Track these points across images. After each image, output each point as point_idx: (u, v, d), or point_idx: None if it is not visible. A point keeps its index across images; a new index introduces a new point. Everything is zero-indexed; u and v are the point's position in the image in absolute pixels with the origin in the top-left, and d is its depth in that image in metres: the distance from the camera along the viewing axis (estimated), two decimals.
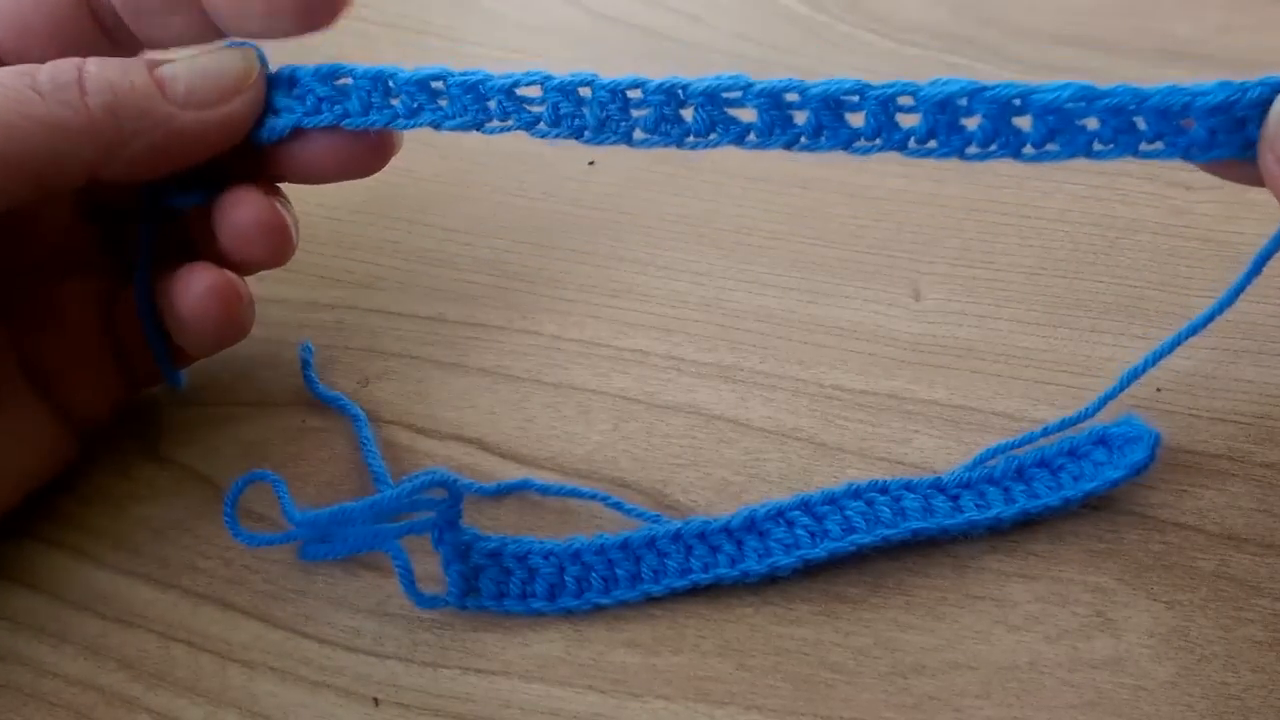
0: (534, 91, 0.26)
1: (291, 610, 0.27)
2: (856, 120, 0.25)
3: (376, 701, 0.25)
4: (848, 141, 0.25)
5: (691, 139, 0.26)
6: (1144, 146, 0.23)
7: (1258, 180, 0.24)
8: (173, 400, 0.32)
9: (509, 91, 0.26)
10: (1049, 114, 0.23)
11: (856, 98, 0.24)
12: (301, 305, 0.35)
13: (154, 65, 0.27)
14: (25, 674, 0.26)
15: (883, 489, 0.27)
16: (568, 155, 0.39)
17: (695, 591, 0.27)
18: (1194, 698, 0.24)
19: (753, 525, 0.27)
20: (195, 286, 0.29)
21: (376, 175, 0.30)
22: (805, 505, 0.27)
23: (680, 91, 0.25)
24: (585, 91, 0.26)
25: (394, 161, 0.30)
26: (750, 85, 0.25)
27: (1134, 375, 0.28)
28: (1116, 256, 0.34)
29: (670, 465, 0.30)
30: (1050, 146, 0.24)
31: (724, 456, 0.30)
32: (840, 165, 0.38)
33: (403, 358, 0.33)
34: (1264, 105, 0.23)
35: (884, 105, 0.24)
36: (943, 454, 0.29)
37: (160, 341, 0.30)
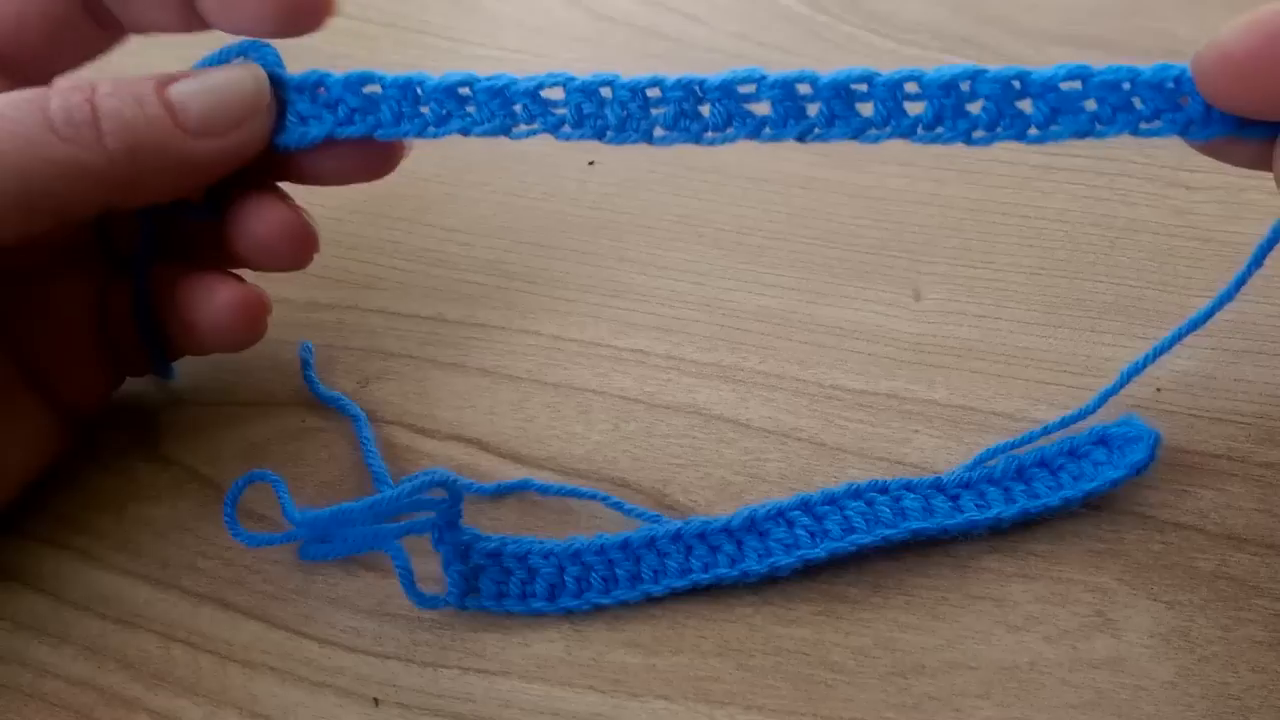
0: (557, 94, 0.27)
1: (291, 610, 0.27)
2: (866, 110, 0.25)
3: (376, 701, 0.25)
4: (859, 130, 0.26)
5: (710, 134, 0.26)
6: (1144, 125, 0.24)
7: (1256, 162, 0.24)
8: (173, 400, 0.32)
9: (534, 94, 0.27)
10: (1048, 92, 0.24)
11: (865, 86, 0.25)
12: (301, 305, 0.35)
13: (163, 85, 0.26)
14: (25, 674, 0.26)
15: (883, 489, 0.27)
16: (568, 155, 0.39)
17: (695, 591, 0.27)
18: (1194, 698, 0.24)
19: (753, 525, 0.27)
20: (218, 298, 0.29)
21: None
22: (805, 505, 0.27)
23: (697, 88, 0.26)
24: (606, 92, 0.26)
25: None
26: (764, 78, 0.25)
27: (1134, 371, 0.28)
28: (1116, 256, 0.34)
29: (670, 465, 0.30)
30: (1053, 127, 0.25)
31: (724, 456, 0.30)
32: (841, 165, 0.38)
33: (403, 358, 0.33)
34: None
35: (891, 91, 0.25)
36: (943, 454, 0.29)
37: (156, 339, 0.30)
